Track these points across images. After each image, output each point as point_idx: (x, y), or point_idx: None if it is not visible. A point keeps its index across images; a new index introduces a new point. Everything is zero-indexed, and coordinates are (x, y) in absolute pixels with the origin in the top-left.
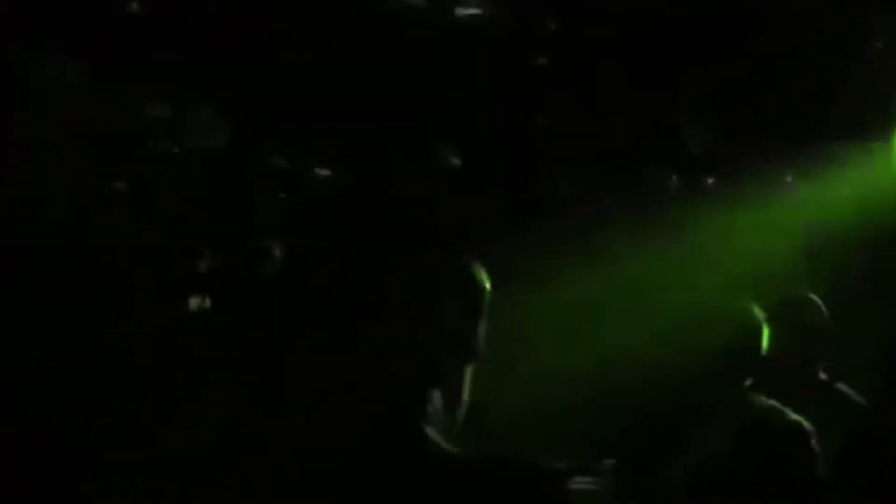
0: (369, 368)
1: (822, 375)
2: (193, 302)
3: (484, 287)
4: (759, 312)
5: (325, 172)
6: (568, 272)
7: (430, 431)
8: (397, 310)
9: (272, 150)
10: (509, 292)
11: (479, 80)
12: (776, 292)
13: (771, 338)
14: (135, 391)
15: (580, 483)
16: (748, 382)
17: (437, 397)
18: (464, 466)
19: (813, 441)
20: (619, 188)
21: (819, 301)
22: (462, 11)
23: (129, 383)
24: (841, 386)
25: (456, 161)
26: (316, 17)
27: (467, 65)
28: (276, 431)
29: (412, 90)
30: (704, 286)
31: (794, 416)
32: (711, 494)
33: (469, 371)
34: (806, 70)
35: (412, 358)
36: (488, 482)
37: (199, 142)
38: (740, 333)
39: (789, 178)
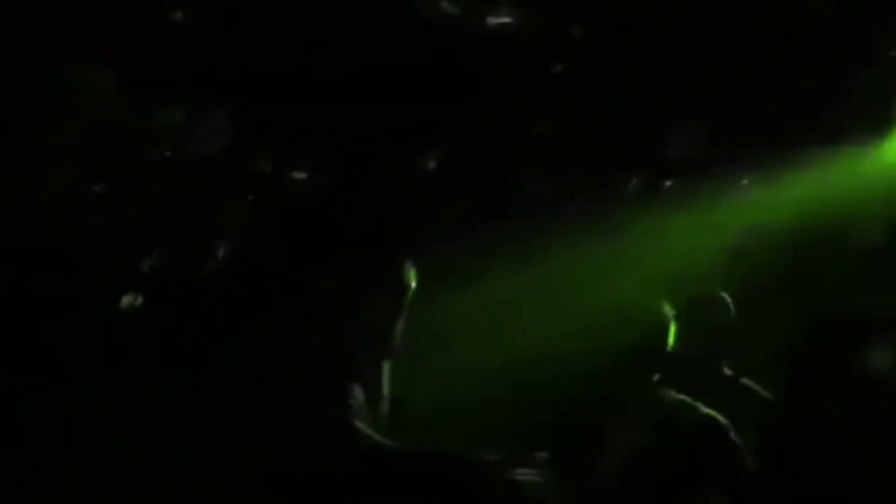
0: (290, 363)
1: (727, 371)
2: (125, 300)
3: (408, 285)
4: (668, 310)
5: (300, 175)
6: (495, 271)
7: (360, 424)
8: (324, 306)
9: (260, 155)
10: (433, 290)
11: (460, 85)
12: (690, 291)
13: (676, 334)
14: (64, 387)
15: (523, 475)
16: (656, 377)
17: (358, 391)
18: (397, 458)
19: (732, 434)
20: (578, 191)
21: (727, 299)
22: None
23: (59, 380)
24: (746, 381)
25: (431, 164)
26: (309, 24)
27: (447, 70)
28: (203, 425)
29: (393, 94)
30: (623, 285)
31: (707, 410)
32: (642, 487)
33: (387, 366)
34: (774, 76)
35: (332, 352)
36: (422, 473)
37: (200, 147)
38: (647, 330)
39: (745, 181)
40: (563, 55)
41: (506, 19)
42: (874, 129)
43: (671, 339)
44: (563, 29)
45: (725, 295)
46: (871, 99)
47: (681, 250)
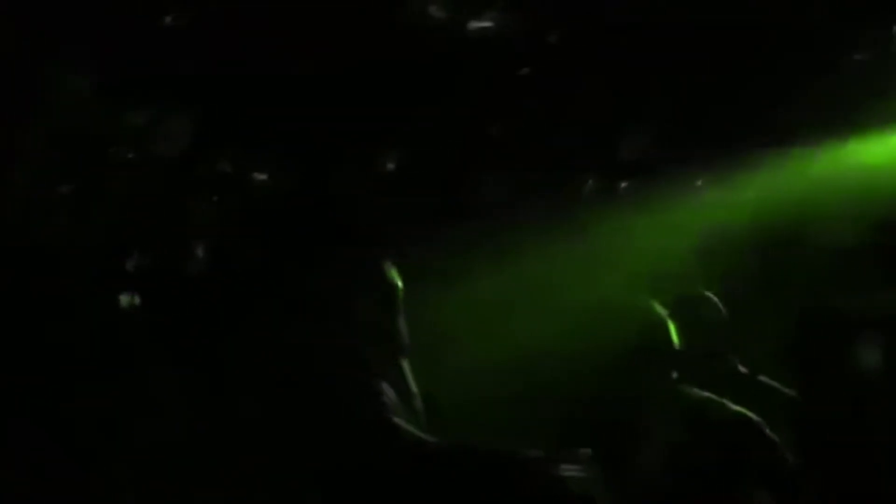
0: (306, 363)
1: (742, 368)
2: (124, 299)
3: (396, 283)
4: (660, 308)
5: (261, 176)
6: (475, 271)
7: (399, 421)
8: (316, 306)
9: (220, 157)
10: (423, 289)
11: (420, 89)
12: (671, 290)
13: (678, 332)
14: (78, 386)
15: (569, 471)
16: (674, 375)
17: (388, 389)
18: (440, 454)
19: (767, 430)
20: (536, 192)
21: (714, 298)
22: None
23: (71, 379)
24: (763, 378)
25: (391, 166)
26: (271, 28)
27: (408, 74)
28: (230, 422)
29: (360, 100)
30: (603, 284)
31: (736, 407)
32: (684, 482)
33: (406, 364)
34: (725, 79)
35: (338, 351)
36: (467, 469)
37: (162, 149)
38: (648, 328)
39: (699, 182)
40: (522, 60)
41: (487, 24)
42: (826, 132)
43: (675, 338)
44: (523, 35)
45: (710, 294)
46: (822, 101)
47: (650, 251)
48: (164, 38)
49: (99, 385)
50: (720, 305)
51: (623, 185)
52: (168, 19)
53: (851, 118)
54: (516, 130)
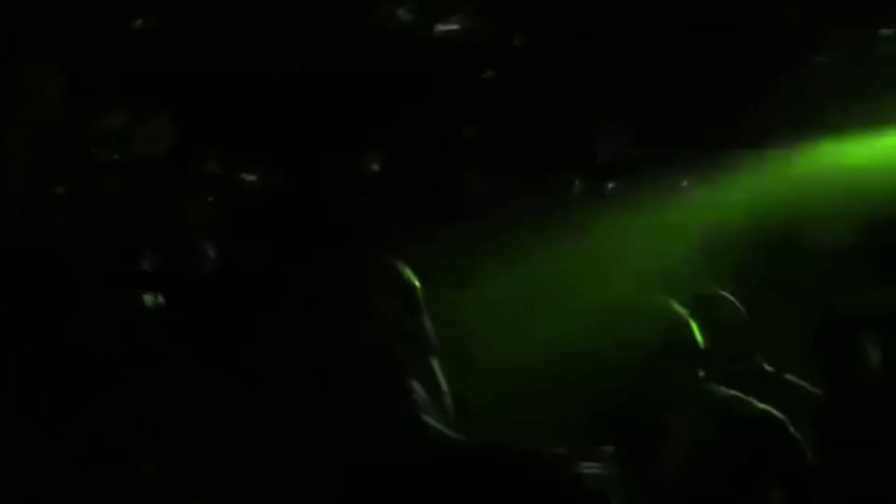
0: (332, 360)
1: (768, 367)
2: (147, 298)
3: (414, 283)
4: (679, 307)
5: (251, 178)
6: (487, 271)
7: (428, 419)
8: (335, 306)
9: (207, 157)
10: (438, 289)
11: (417, 91)
12: (682, 289)
13: (700, 331)
14: (106, 386)
15: (589, 468)
16: (702, 374)
17: (418, 387)
18: (467, 451)
19: (791, 428)
20: (527, 192)
21: (730, 297)
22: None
23: (100, 378)
24: (790, 377)
25: (377, 166)
26: (259, 33)
27: (407, 77)
28: (263, 420)
29: (341, 101)
30: (616, 283)
31: (762, 406)
32: (704, 480)
33: (435, 363)
34: (706, 82)
35: (365, 350)
36: (491, 466)
37: (145, 149)
38: (672, 327)
39: (685, 183)
40: (500, 61)
41: (453, 27)
42: (801, 133)
43: (699, 336)
44: (501, 36)
45: (725, 293)
46: (796, 103)
47: (653, 250)
48: (151, 42)
49: (127, 385)
50: (738, 304)
51: (611, 185)
52: (153, 21)
53: (828, 120)
54: (497, 132)
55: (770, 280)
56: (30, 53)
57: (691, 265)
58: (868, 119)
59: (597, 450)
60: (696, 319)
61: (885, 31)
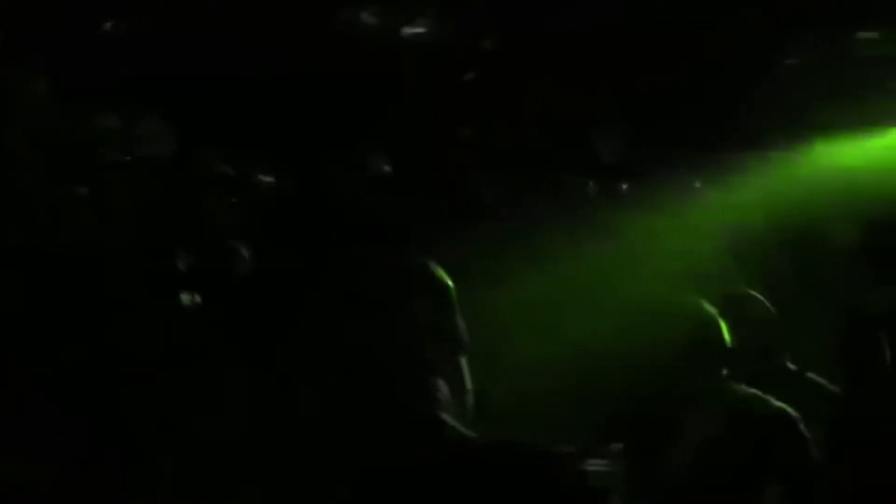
0: (365, 360)
1: (791, 366)
2: (185, 297)
3: (448, 283)
4: (709, 307)
5: (267, 179)
6: (514, 271)
7: (446, 417)
8: (371, 306)
9: (216, 158)
10: (468, 289)
11: (415, 93)
12: (713, 289)
13: (728, 330)
14: (149, 384)
15: (594, 465)
16: (725, 372)
17: (442, 386)
18: (480, 449)
19: (801, 427)
20: (540, 193)
21: (760, 296)
22: (408, 30)
23: (144, 377)
24: (812, 375)
25: (387, 168)
26: (260, 33)
27: (404, 78)
28: (293, 419)
29: (352, 102)
30: (644, 283)
31: (779, 403)
32: (708, 478)
33: (464, 361)
34: (713, 83)
35: (399, 350)
36: (499, 465)
37: (147, 150)
38: (701, 326)
39: (697, 184)
40: (500, 61)
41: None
42: (791, 136)
43: (727, 335)
44: (501, 37)
45: (755, 293)
46: (786, 107)
47: (678, 251)
48: (147, 45)
49: (162, 384)
50: (767, 303)
51: (623, 186)
52: (153, 27)
53: (822, 122)
54: (501, 133)
55: (798, 279)
56: (21, 54)
57: (720, 265)
58: (858, 120)
59: (604, 448)
60: (725, 318)
61: (867, 34)
